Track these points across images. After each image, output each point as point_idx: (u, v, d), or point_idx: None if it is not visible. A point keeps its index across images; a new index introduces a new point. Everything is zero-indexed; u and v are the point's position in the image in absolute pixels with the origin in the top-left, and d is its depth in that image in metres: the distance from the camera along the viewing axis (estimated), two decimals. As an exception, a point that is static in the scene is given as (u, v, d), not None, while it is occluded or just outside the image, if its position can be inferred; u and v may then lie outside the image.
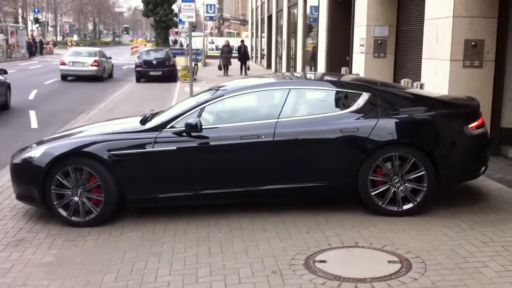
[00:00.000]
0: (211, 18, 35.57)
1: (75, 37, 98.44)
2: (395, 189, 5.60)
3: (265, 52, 34.00)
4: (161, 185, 5.70)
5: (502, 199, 6.19)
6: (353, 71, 12.95)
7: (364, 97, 5.81)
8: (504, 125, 8.46)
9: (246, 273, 4.36)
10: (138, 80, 24.62)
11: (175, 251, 4.91)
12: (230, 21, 62.43)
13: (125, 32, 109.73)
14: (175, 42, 51.23)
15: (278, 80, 7.00)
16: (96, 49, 28.58)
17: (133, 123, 6.29)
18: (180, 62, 26.69)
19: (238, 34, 59.22)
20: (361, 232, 5.20)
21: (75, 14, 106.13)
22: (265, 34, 33.97)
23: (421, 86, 8.20)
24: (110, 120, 7.41)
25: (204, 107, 5.88)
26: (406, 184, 5.60)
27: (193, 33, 41.42)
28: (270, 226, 5.44)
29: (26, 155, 5.91)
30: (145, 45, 58.52)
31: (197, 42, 42.20)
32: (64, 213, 5.66)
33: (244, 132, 5.66)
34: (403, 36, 11.55)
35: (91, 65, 24.99)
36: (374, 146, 5.56)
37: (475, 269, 4.33)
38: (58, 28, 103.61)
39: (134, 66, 25.90)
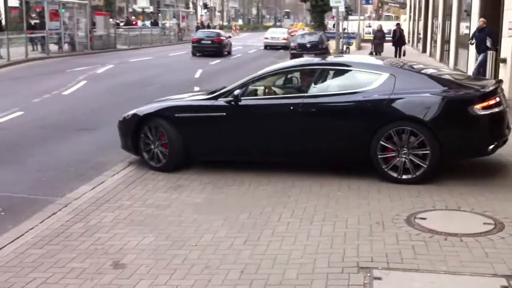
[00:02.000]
0: (367, 2, 35.63)
1: (240, 22, 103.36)
2: (404, 159, 6.23)
3: (421, 36, 33.35)
4: (214, 143, 7.05)
5: None
6: (501, 55, 12.79)
7: (383, 77, 6.47)
8: None
9: (353, 222, 5.18)
10: (292, 62, 25.88)
11: (298, 202, 5.85)
12: (389, 4, 61.40)
13: (285, 17, 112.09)
14: (334, 26, 51.69)
15: (310, 61, 7.99)
16: (285, 29, 44.58)
17: (205, 95, 7.51)
18: (333, 45, 27.41)
19: (397, 18, 58.09)
20: (467, 199, 5.71)
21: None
22: (422, 18, 33.30)
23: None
24: (197, 91, 8.53)
25: (248, 82, 7.06)
26: (412, 154, 6.21)
27: (351, 17, 41.73)
28: (384, 189, 6.16)
29: (125, 114, 7.57)
30: (304, 29, 59.88)
31: (354, 26, 42.57)
32: (152, 163, 7.19)
33: (277, 103, 6.98)
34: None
35: (283, 39, 39.27)
36: (384, 121, 6.30)
37: None
38: (225, 13, 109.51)
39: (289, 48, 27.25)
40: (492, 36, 14.31)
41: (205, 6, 64.80)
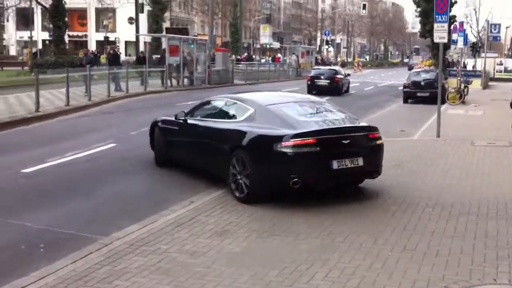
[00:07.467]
0: (494, 39, 33.43)
1: (367, 58, 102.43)
2: (240, 180, 7.41)
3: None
4: (175, 149, 9.49)
5: None
6: None
7: (249, 111, 7.83)
8: None
9: (390, 291, 4.47)
10: (405, 101, 24.58)
11: (340, 261, 5.23)
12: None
13: (414, 53, 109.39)
14: (452, 63, 48.70)
15: (224, 96, 9.43)
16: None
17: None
18: (452, 83, 25.81)
19: (534, 55, 53.99)
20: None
21: (368, 35, 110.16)
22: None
23: None
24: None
25: (195, 108, 9.30)
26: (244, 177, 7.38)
27: (488, 54, 39.27)
28: (445, 252, 5.34)
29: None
30: (430, 66, 57.76)
31: (487, 64, 40.01)
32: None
33: (198, 123, 8.76)
34: None
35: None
36: (234, 146, 7.62)
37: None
38: (352, 49, 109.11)
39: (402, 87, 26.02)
40: None
41: (326, 43, 65.27)
